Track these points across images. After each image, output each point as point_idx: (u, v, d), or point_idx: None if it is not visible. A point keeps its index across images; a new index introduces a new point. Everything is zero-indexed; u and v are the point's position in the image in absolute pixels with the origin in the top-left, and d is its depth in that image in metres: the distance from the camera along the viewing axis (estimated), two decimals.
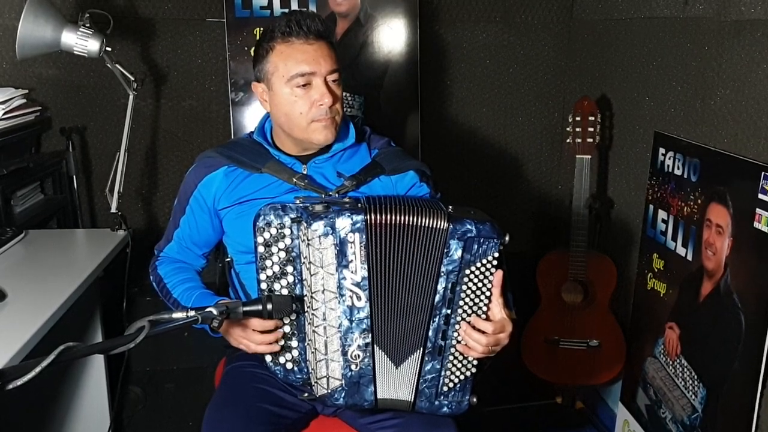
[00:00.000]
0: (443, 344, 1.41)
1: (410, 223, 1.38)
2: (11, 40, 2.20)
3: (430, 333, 1.40)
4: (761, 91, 1.68)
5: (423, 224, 1.38)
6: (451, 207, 1.42)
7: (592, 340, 2.40)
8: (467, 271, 1.38)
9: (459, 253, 1.37)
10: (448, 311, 1.40)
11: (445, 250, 1.37)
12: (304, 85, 1.51)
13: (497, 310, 1.41)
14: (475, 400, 1.46)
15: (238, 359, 1.63)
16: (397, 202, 1.42)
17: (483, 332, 1.40)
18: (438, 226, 1.37)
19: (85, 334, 2.24)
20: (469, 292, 1.40)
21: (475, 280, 1.39)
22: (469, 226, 1.37)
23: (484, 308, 1.41)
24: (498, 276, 1.40)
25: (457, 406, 1.45)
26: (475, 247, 1.37)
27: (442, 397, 1.44)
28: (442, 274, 1.38)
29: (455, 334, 1.41)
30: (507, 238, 1.39)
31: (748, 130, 1.73)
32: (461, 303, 1.40)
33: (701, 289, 1.87)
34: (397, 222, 1.38)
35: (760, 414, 1.66)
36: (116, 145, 2.32)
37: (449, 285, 1.38)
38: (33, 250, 1.99)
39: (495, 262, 1.39)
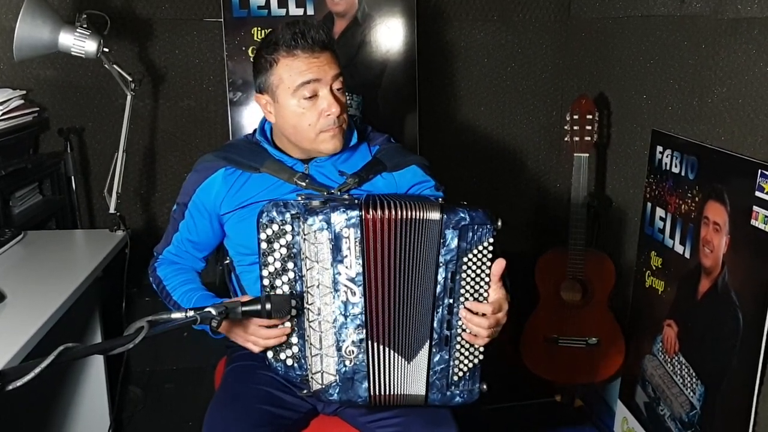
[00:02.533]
0: (449, 334, 1.42)
1: (405, 217, 1.39)
2: (8, 41, 2.20)
3: (435, 324, 1.41)
4: (758, 88, 1.68)
5: (417, 217, 1.39)
6: (440, 200, 1.45)
7: (590, 338, 2.40)
8: (465, 259, 1.40)
9: (455, 242, 1.38)
10: (450, 300, 1.41)
11: (442, 240, 1.38)
12: (310, 97, 1.51)
13: (492, 292, 1.43)
14: (485, 387, 1.46)
15: (239, 359, 1.64)
16: (391, 198, 1.43)
17: (483, 315, 1.41)
18: (432, 218, 1.39)
19: (84, 335, 2.24)
20: (468, 279, 1.41)
21: (473, 267, 1.41)
22: (462, 215, 1.38)
23: (485, 294, 1.43)
24: (498, 265, 1.41)
25: (468, 395, 1.46)
26: (470, 234, 1.39)
27: (453, 387, 1.45)
28: (441, 264, 1.39)
29: (459, 323, 1.42)
30: (500, 223, 1.40)
31: (745, 127, 1.73)
32: (462, 291, 1.41)
33: (699, 286, 1.87)
34: (392, 217, 1.39)
35: (758, 411, 1.67)
36: (114, 146, 2.33)
37: (449, 274, 1.40)
38: (32, 250, 2.00)
39: (491, 248, 1.40)
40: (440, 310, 1.41)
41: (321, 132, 1.53)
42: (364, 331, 1.41)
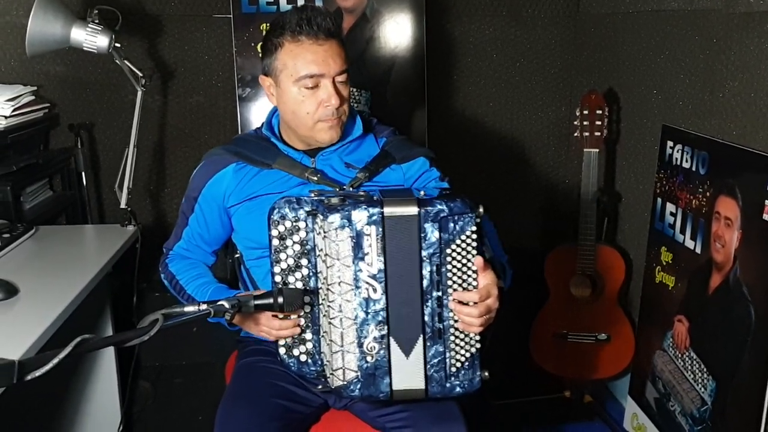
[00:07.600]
0: (441, 326, 1.41)
1: (399, 213, 1.38)
2: (20, 37, 2.21)
3: (426, 318, 1.40)
4: None
5: (396, 213, 1.37)
6: (422, 192, 1.43)
7: (600, 334, 2.40)
8: (448, 251, 1.39)
9: (436, 234, 1.38)
10: (439, 293, 1.40)
11: (423, 235, 1.38)
12: (312, 87, 1.51)
13: (480, 279, 1.41)
14: (486, 374, 1.45)
15: (250, 354, 1.64)
16: (397, 192, 1.43)
17: (473, 304, 1.39)
18: (409, 213, 1.37)
19: (95, 329, 2.25)
20: (455, 270, 1.40)
21: (459, 257, 1.40)
22: (440, 206, 1.37)
23: (474, 283, 1.41)
24: (478, 260, 1.39)
25: (469, 384, 1.44)
26: (451, 225, 1.38)
27: (452, 379, 1.44)
28: (425, 258, 1.38)
29: (451, 314, 1.41)
30: (482, 210, 1.39)
31: (757, 122, 1.72)
32: (450, 283, 1.40)
33: (710, 281, 1.87)
34: (399, 213, 1.38)
35: None
36: (124, 142, 2.33)
37: (434, 268, 1.39)
38: (43, 245, 2.01)
39: (474, 236, 1.39)
40: (429, 303, 1.40)
41: (319, 121, 1.53)
42: (386, 327, 1.40)
